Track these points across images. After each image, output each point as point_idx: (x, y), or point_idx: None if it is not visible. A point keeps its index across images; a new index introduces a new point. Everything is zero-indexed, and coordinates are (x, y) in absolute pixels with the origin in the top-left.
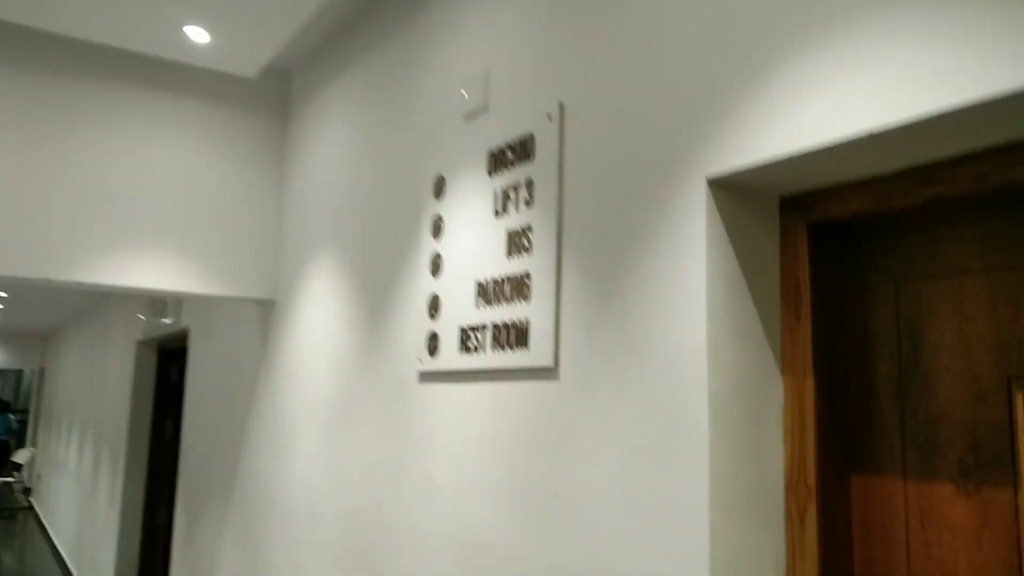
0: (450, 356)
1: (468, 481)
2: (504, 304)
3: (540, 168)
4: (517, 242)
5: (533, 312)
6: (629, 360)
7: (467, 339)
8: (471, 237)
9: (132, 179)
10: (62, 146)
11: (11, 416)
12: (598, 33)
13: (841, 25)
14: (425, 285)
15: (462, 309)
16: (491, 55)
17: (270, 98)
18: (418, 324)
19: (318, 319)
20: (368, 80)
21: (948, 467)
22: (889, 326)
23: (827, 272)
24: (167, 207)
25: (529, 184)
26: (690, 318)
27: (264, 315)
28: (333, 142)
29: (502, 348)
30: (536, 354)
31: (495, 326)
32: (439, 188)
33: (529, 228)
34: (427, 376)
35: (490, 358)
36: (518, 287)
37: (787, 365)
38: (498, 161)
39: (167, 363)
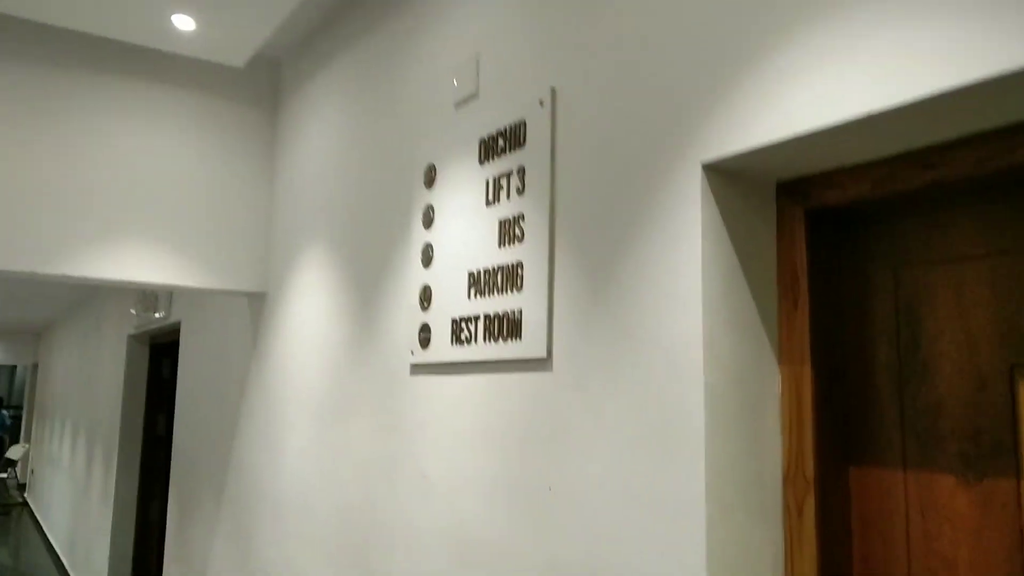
0: (442, 348)
1: (461, 474)
2: (496, 295)
3: (532, 155)
4: (509, 231)
5: (526, 302)
6: (623, 350)
7: (459, 330)
8: (463, 227)
9: (119, 171)
10: (48, 138)
11: (4, 412)
12: (590, 17)
13: (838, 4)
14: (416, 276)
15: (454, 300)
16: (481, 40)
17: (259, 88)
18: (410, 316)
19: (309, 312)
20: (358, 68)
21: (949, 457)
22: (888, 314)
23: (824, 259)
24: (155, 199)
25: (521, 172)
26: (685, 307)
27: (255, 308)
28: (323, 132)
29: (494, 339)
30: (529, 345)
31: (487, 317)
32: (430, 177)
33: (521, 217)
34: (419, 368)
35: (482, 349)
36: (510, 277)
37: (784, 354)
38: (489, 149)
39: (159, 358)
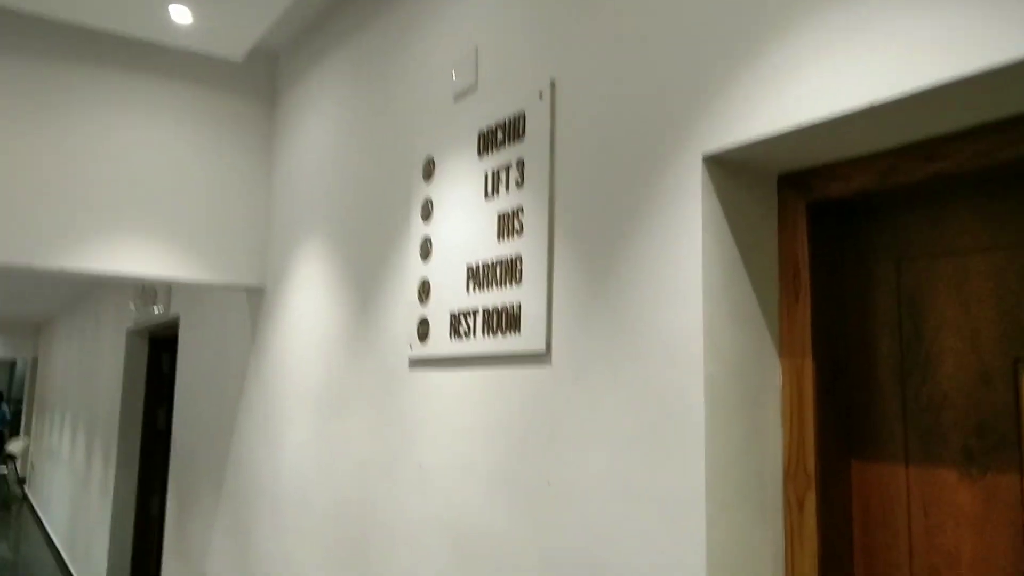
0: (441, 342)
1: (460, 469)
2: (495, 288)
3: (531, 148)
4: (508, 224)
5: (525, 296)
6: (623, 344)
7: (458, 324)
8: (461, 220)
9: (117, 165)
10: (44, 131)
11: (4, 406)
12: (590, 7)
13: None
14: (415, 270)
15: (453, 294)
16: (480, 32)
17: (257, 81)
18: (408, 310)
19: (307, 306)
20: (356, 61)
21: (952, 452)
22: (890, 307)
23: (826, 252)
24: (153, 192)
25: (520, 164)
26: (685, 300)
27: (253, 302)
28: (321, 125)
29: (493, 333)
30: (528, 339)
31: (486, 311)
32: (429, 170)
33: (520, 210)
34: (417, 362)
35: (481, 343)
36: (509, 270)
37: (785, 348)
38: (488, 141)
39: (158, 352)
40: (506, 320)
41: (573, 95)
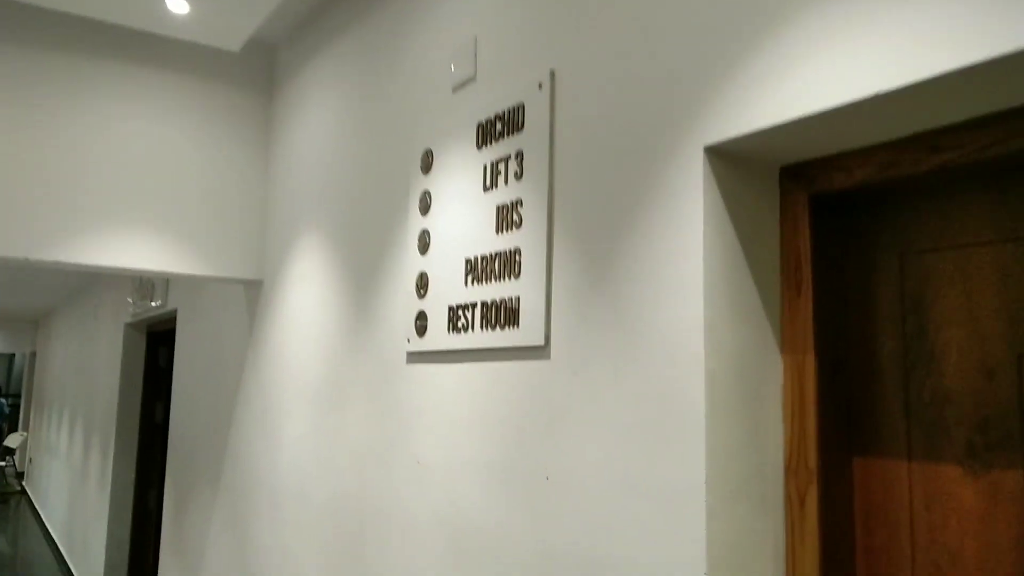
0: (439, 336)
1: (458, 463)
2: (494, 282)
3: (530, 139)
4: (507, 217)
5: (523, 289)
6: (622, 338)
7: (456, 318)
8: (460, 213)
9: (114, 157)
10: (41, 123)
11: (3, 400)
12: None
13: None
14: (413, 263)
15: (451, 287)
16: (479, 22)
17: (255, 73)
18: (406, 303)
19: (305, 299)
20: (354, 52)
21: (955, 448)
22: (893, 301)
23: (829, 245)
24: (150, 185)
25: (519, 156)
26: (686, 293)
27: (251, 296)
28: (319, 117)
29: (492, 327)
30: (526, 332)
31: (484, 304)
32: (427, 163)
33: (519, 202)
34: (415, 356)
35: (479, 337)
36: (508, 263)
37: (787, 342)
38: (487, 133)
39: (156, 346)
40: (505, 313)
41: (573, 86)
